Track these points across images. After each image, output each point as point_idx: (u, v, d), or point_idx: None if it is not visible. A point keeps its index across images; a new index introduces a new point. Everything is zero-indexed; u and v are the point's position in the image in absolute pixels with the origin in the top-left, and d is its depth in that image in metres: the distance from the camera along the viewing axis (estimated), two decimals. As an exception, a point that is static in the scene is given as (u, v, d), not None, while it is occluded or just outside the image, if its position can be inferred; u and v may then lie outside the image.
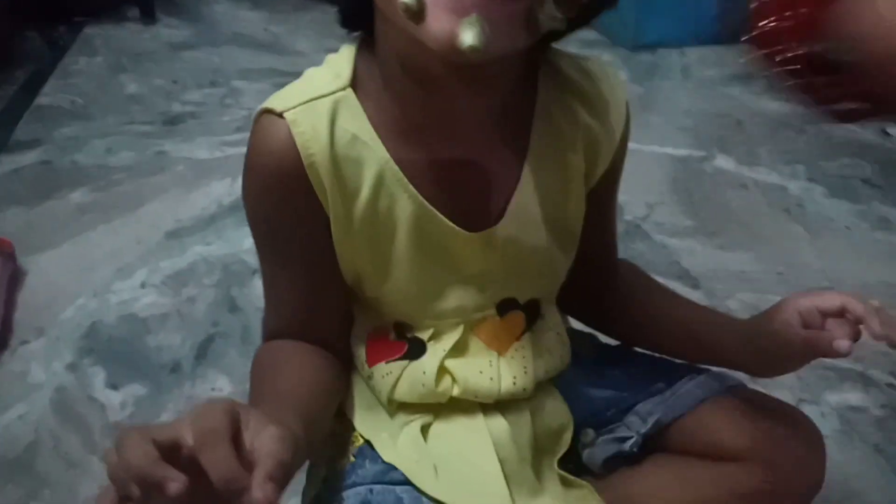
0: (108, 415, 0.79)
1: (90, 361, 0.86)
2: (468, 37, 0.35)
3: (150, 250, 1.07)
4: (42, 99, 1.61)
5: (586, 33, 1.89)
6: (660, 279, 0.60)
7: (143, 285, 0.99)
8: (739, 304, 0.98)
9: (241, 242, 1.05)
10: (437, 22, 0.35)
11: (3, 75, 1.73)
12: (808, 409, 0.82)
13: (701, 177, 1.33)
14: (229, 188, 1.21)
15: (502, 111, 0.48)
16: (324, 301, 0.52)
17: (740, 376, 0.56)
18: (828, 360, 0.85)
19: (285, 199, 0.47)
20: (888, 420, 0.83)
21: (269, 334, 0.53)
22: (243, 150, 0.47)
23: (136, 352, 0.87)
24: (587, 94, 0.51)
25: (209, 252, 1.06)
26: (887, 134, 1.52)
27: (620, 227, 1.12)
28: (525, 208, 0.50)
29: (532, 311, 0.56)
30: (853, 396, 0.86)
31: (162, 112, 1.57)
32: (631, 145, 0.52)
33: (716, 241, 1.13)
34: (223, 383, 0.83)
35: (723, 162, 1.39)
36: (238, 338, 0.88)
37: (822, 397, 0.86)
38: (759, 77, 1.84)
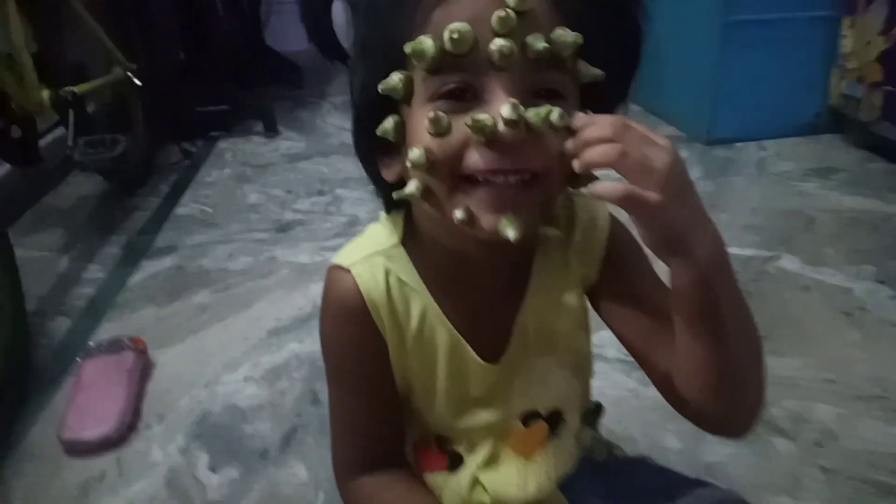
0: (207, 494, 0.94)
1: (198, 446, 1.03)
2: (510, 233, 0.47)
3: (254, 346, 1.26)
4: (179, 209, 1.91)
5: (664, 128, 2.00)
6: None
7: (245, 379, 1.17)
8: (783, 410, 1.01)
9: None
10: (485, 223, 0.48)
11: (149, 188, 2.07)
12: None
13: (763, 278, 1.37)
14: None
15: (513, 256, 0.61)
16: (389, 416, 0.64)
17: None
18: (863, 474, 0.87)
19: (354, 333, 0.60)
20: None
21: (351, 468, 0.63)
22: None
23: (234, 439, 1.04)
24: (572, 218, 0.63)
25: (301, 349, 1.24)
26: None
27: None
28: (525, 333, 0.62)
29: (555, 420, 0.67)
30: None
31: (276, 220, 1.81)
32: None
33: (769, 345, 1.15)
34: (299, 469, 0.97)
35: (788, 262, 1.42)
36: (317, 429, 1.03)
37: (859, 510, 0.87)
38: (839, 170, 1.85)
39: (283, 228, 1.76)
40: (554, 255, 0.62)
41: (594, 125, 0.45)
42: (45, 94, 1.60)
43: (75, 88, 1.67)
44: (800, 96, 2.06)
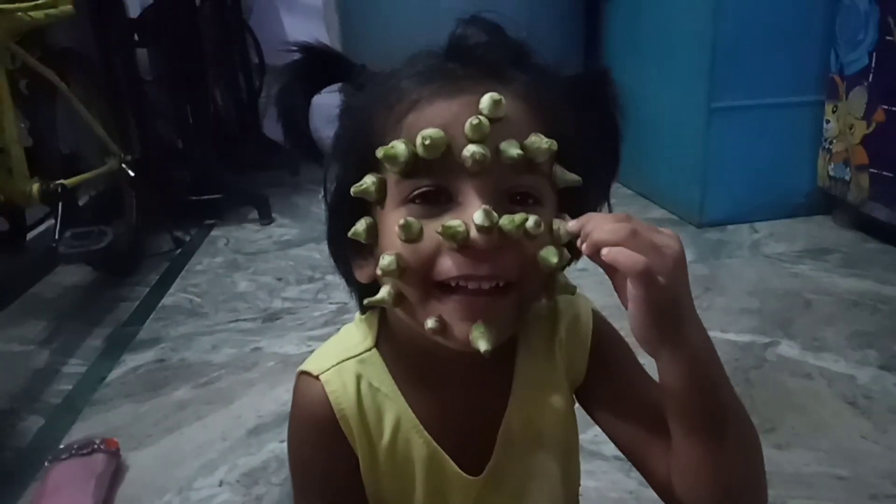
0: None
1: (166, 559, 0.96)
2: (482, 344, 0.46)
3: (232, 447, 1.20)
4: (167, 299, 1.88)
5: (655, 211, 2.00)
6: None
7: (220, 483, 1.10)
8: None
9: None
10: (457, 332, 0.47)
11: (138, 277, 2.04)
12: None
13: (763, 366, 1.32)
14: (308, 384, 1.34)
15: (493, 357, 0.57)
16: None
17: None
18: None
19: (323, 446, 0.56)
20: None
21: None
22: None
23: (205, 551, 0.97)
24: (556, 315, 0.59)
25: (281, 449, 1.17)
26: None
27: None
28: (510, 439, 0.57)
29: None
30: None
31: (264, 309, 1.78)
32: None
33: (773, 438, 1.10)
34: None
35: (787, 348, 1.37)
36: (293, 540, 0.96)
37: None
38: (832, 251, 1.83)
39: (271, 318, 1.72)
40: (538, 353, 0.59)
41: (596, 218, 0.45)
42: (35, 186, 1.60)
43: (65, 181, 1.67)
44: (789, 178, 2.07)
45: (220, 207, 2.57)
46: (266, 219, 2.53)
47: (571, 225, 0.45)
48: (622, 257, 0.41)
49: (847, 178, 1.89)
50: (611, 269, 0.44)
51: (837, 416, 1.16)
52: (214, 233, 2.45)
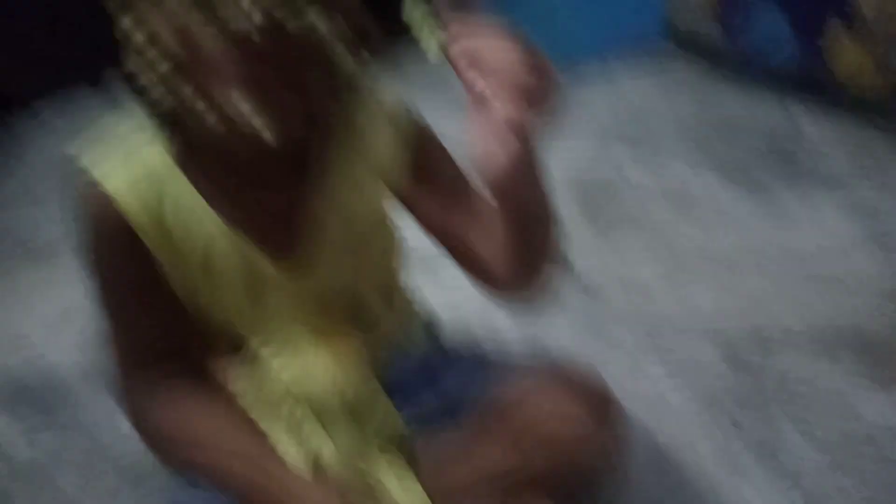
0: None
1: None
2: (266, 134, 0.44)
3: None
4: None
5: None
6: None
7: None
8: (618, 282, 1.10)
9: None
10: (242, 125, 0.45)
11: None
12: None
13: (605, 185, 1.40)
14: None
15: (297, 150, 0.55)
16: (171, 315, 0.58)
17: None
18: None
19: (124, 257, 0.54)
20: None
21: (135, 366, 0.58)
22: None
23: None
24: (369, 107, 0.58)
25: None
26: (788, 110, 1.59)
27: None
28: (322, 227, 0.58)
29: (361, 311, 0.63)
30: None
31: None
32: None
33: (608, 239, 1.22)
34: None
35: (630, 168, 1.45)
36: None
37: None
38: (679, 80, 1.92)
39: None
40: (346, 144, 0.58)
41: (483, 33, 0.42)
42: None
43: None
44: (640, 13, 2.10)
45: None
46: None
47: (454, 29, 0.43)
48: (514, 110, 0.40)
49: (695, 10, 1.94)
50: (472, 87, 0.41)
51: (666, 218, 1.27)
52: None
